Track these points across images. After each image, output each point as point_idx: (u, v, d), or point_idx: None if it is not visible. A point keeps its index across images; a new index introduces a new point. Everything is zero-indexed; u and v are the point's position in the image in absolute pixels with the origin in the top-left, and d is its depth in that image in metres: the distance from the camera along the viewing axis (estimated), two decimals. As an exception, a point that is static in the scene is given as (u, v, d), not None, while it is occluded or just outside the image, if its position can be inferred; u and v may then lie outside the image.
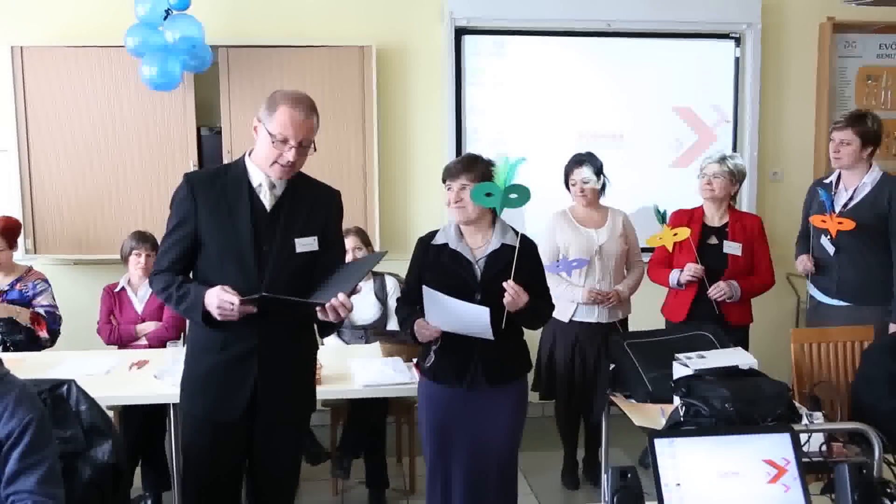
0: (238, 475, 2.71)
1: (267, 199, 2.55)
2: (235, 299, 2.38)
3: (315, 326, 2.68)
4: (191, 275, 2.60)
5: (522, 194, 2.74)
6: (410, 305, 2.93)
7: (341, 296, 2.41)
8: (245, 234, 2.50)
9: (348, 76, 4.65)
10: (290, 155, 2.46)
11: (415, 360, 3.19)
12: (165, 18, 4.07)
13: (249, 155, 2.58)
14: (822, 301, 3.92)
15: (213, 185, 2.55)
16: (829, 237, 3.81)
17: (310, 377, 2.78)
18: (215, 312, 2.41)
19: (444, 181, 2.89)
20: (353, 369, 3.48)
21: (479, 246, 2.88)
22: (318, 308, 2.44)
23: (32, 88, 4.49)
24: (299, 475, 2.84)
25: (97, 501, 2.46)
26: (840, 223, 3.70)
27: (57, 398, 2.51)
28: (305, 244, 2.56)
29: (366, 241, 4.21)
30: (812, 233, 3.89)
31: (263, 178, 2.54)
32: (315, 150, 2.55)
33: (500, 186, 2.72)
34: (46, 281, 4.15)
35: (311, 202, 2.62)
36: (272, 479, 2.70)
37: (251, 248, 2.50)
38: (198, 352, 2.62)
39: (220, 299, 2.39)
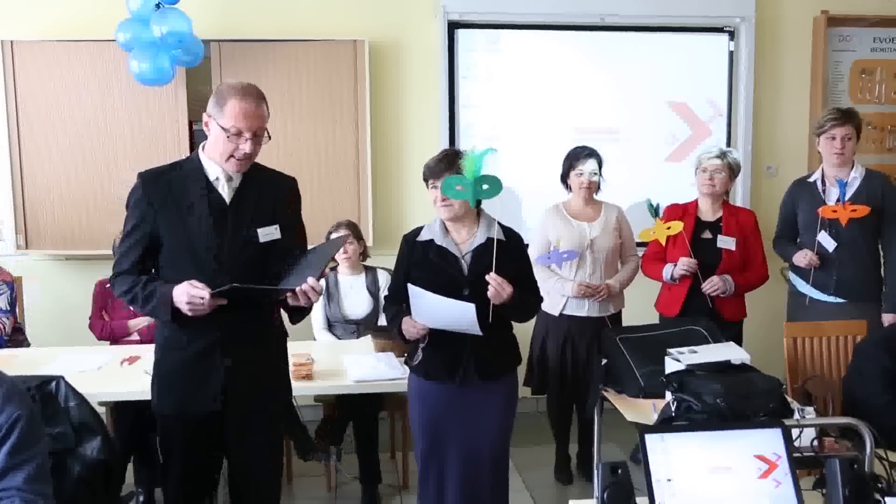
0: (214, 469, 2.74)
1: (225, 192, 2.54)
2: (206, 293, 2.38)
3: (285, 313, 2.67)
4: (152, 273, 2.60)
5: (494, 185, 2.72)
6: (398, 303, 2.93)
7: (311, 280, 2.43)
8: (205, 228, 2.50)
9: (341, 70, 4.64)
10: (245, 147, 2.46)
11: (403, 359, 3.17)
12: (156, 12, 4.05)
13: (203, 149, 2.56)
14: (817, 298, 3.91)
15: (168, 182, 2.54)
16: (829, 232, 3.81)
17: (282, 366, 2.77)
18: (185, 308, 2.41)
19: (426, 180, 2.87)
20: (345, 365, 3.47)
21: (464, 241, 2.87)
22: (289, 294, 2.45)
23: (23, 83, 4.47)
24: (282, 468, 2.83)
25: (88, 498, 2.46)
26: (854, 210, 3.70)
27: (45, 395, 2.50)
28: (268, 233, 2.56)
29: (357, 234, 4.20)
30: (819, 225, 3.84)
31: (220, 172, 2.53)
32: (269, 137, 2.55)
33: (470, 178, 2.70)
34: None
35: (269, 191, 2.62)
36: (251, 471, 2.69)
37: (213, 242, 2.50)
38: (165, 350, 2.62)
39: (190, 294, 2.39)
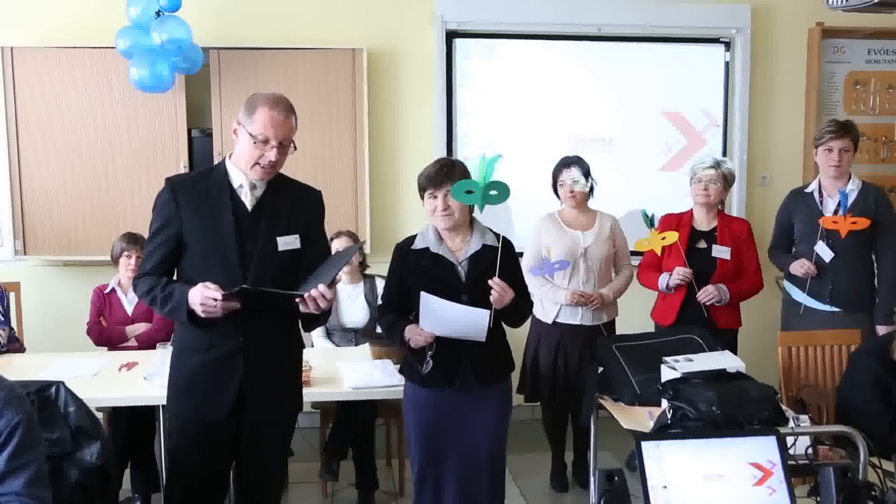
0: (225, 476, 2.72)
1: (248, 200, 2.57)
2: (218, 294, 2.40)
3: (300, 322, 2.69)
4: (174, 277, 2.62)
5: (502, 191, 2.76)
6: (393, 312, 2.94)
7: (321, 286, 2.44)
8: (228, 233, 2.53)
9: (339, 79, 4.65)
10: (271, 155, 2.50)
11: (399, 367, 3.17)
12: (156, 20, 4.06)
13: (230, 157, 2.60)
14: (811, 306, 3.94)
15: (194, 187, 2.58)
16: (826, 242, 3.84)
17: (296, 375, 2.78)
18: (199, 310, 2.42)
19: (422, 190, 2.88)
20: (342, 372, 3.48)
21: (459, 248, 2.90)
22: (298, 300, 2.46)
23: (22, 89, 4.47)
24: (286, 474, 2.83)
25: (85, 503, 2.46)
26: (854, 223, 3.73)
27: (45, 400, 2.50)
28: (287, 242, 2.59)
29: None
30: (819, 235, 3.87)
31: (244, 180, 2.56)
32: (295, 148, 2.58)
33: (480, 183, 2.73)
34: None
35: (293, 202, 2.64)
36: (258, 478, 2.70)
37: (234, 247, 2.53)
38: (184, 352, 2.63)
39: (203, 296, 2.41)
